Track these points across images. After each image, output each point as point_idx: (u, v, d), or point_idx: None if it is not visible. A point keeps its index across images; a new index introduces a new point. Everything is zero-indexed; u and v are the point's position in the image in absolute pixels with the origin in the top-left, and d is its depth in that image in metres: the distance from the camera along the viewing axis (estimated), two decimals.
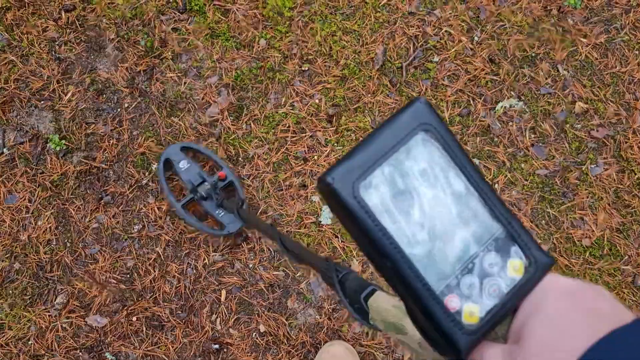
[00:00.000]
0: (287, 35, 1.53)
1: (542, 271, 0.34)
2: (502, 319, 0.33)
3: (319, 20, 1.53)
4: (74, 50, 1.52)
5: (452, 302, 0.32)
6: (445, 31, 1.53)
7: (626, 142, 1.45)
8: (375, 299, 0.55)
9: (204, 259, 1.39)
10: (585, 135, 1.46)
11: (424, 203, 0.32)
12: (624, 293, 1.38)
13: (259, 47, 1.52)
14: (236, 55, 1.51)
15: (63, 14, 1.54)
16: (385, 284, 0.36)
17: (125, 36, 1.52)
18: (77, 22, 1.53)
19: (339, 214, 0.33)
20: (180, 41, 1.52)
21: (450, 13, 1.54)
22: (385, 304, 0.53)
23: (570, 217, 1.42)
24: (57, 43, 1.52)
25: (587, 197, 1.42)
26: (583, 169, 1.44)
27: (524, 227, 0.35)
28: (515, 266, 0.33)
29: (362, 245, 0.33)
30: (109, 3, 1.54)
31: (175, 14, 1.54)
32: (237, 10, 1.54)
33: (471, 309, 0.32)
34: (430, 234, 0.32)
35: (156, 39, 1.52)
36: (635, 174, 1.44)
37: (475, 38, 1.52)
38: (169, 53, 1.51)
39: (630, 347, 0.27)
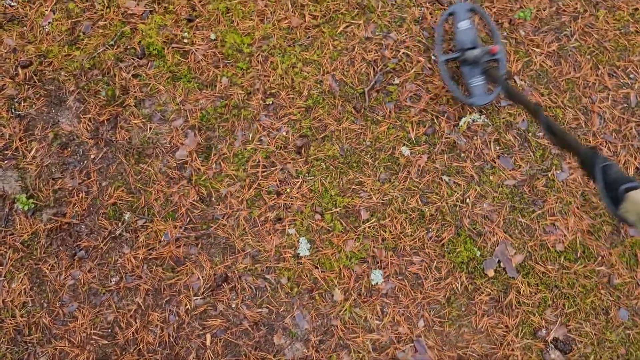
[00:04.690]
0: (249, 71, 1.53)
1: None
2: None
3: (278, 53, 1.54)
4: (34, 106, 1.50)
5: None
6: (403, 53, 1.55)
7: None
8: (638, 193, 0.57)
9: (186, 305, 1.38)
10: (547, 143, 1.50)
11: None
12: (601, 294, 1.41)
13: (221, 86, 1.52)
14: (199, 95, 1.52)
15: (20, 70, 1.52)
16: None
17: (86, 87, 1.51)
18: (34, 77, 1.52)
19: None
20: (141, 87, 1.52)
21: (406, 35, 1.57)
22: None
23: (542, 224, 1.45)
24: (16, 100, 1.51)
25: (556, 203, 1.46)
26: (549, 175, 1.47)
27: None
28: None
29: None
30: (65, 55, 1.53)
31: (134, 60, 1.53)
32: (195, 51, 1.54)
33: None
34: None
35: (117, 87, 1.51)
36: None
37: (433, 57, 1.55)
38: (132, 100, 1.51)
39: None
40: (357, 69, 1.54)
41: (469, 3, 1.48)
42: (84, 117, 1.49)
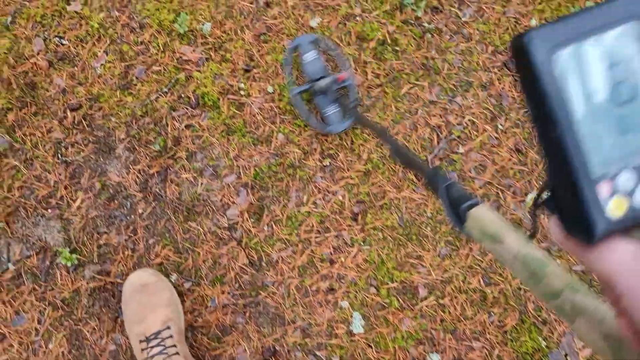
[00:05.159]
0: (306, 128, 1.47)
1: None
2: None
3: None
4: (81, 152, 1.43)
5: (604, 189, 0.32)
6: (469, 120, 1.48)
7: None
8: (478, 210, 0.60)
9: None
10: None
11: (623, 87, 0.32)
12: None
13: (277, 143, 1.46)
14: (254, 151, 1.45)
15: (68, 113, 1.46)
16: None
17: (137, 135, 1.44)
18: (84, 121, 1.45)
19: (523, 73, 0.33)
20: (194, 138, 1.45)
21: (472, 100, 1.50)
22: (487, 215, 0.58)
23: None
24: (63, 145, 1.44)
25: None
26: None
27: None
28: None
29: (533, 109, 0.33)
30: (117, 100, 1.47)
31: (187, 109, 1.47)
32: (252, 103, 1.47)
33: (620, 202, 0.32)
34: (621, 122, 0.32)
35: (169, 138, 1.44)
36: None
37: (500, 126, 1.48)
38: (183, 152, 1.44)
39: None
40: (420, 134, 1.47)
41: (312, 35, 1.44)
42: (133, 168, 1.42)
